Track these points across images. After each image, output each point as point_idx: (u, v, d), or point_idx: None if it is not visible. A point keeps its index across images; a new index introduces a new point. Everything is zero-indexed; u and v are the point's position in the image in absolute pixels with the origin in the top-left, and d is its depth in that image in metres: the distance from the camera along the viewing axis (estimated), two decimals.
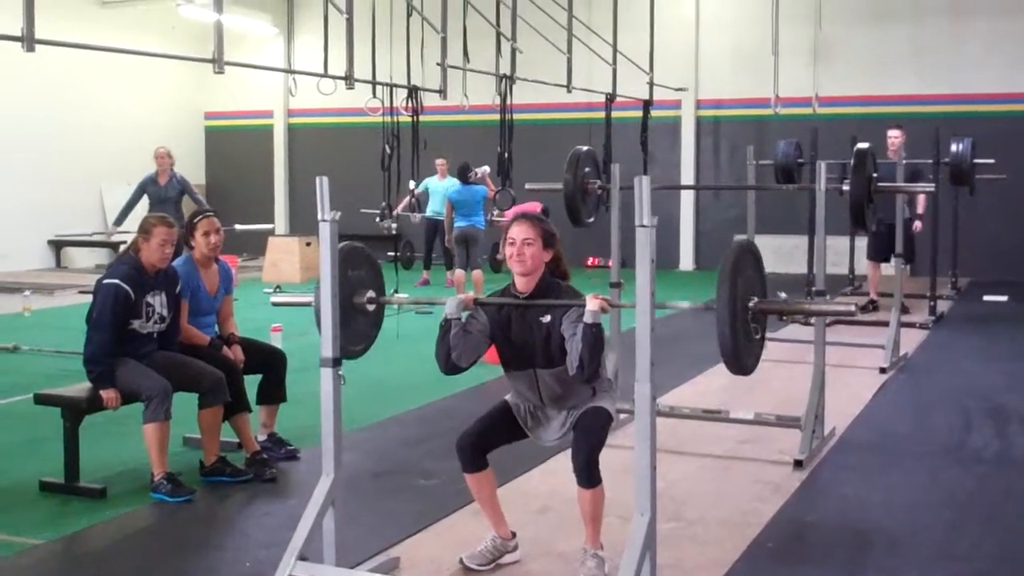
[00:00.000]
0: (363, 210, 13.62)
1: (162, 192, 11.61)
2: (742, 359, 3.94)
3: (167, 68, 18.94)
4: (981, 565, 4.64)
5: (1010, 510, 5.44)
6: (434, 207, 14.86)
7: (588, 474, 4.24)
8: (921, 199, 11.68)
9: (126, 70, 18.12)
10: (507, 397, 4.56)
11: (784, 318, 11.14)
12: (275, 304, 5.02)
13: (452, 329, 4.28)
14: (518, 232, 4.34)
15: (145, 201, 11.75)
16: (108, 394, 5.53)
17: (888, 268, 11.90)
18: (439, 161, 14.83)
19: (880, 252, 11.75)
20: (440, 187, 14.88)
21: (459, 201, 12.88)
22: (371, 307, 4.54)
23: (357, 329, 4.52)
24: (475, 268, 12.88)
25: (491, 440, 4.48)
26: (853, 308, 4.09)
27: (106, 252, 17.00)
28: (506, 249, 4.36)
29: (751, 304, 3.95)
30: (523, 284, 4.36)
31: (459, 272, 12.76)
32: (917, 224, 11.60)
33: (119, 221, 12.27)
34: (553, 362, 4.30)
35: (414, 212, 12.89)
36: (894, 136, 11.42)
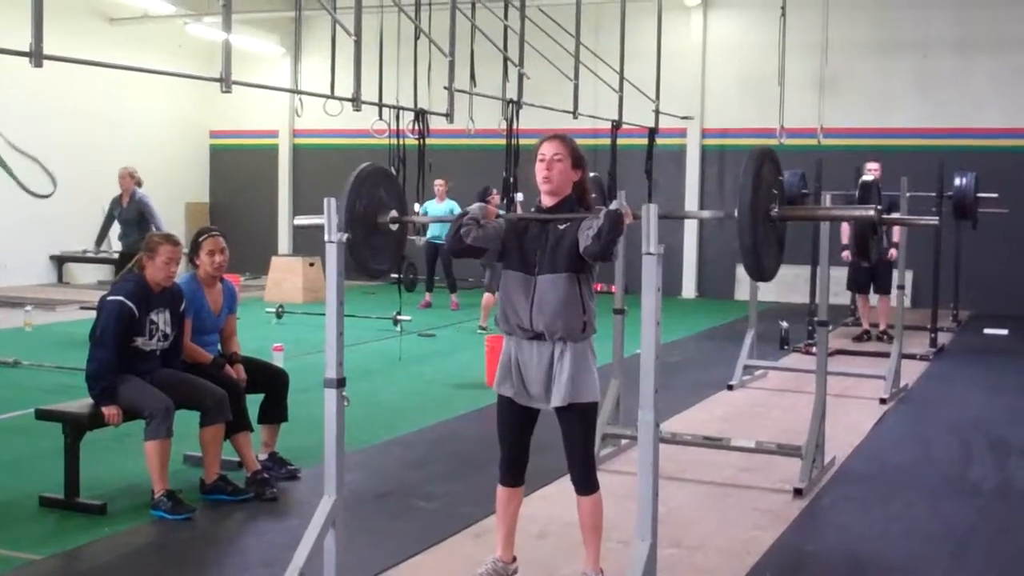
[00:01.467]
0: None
1: (123, 213, 11.56)
2: (763, 264, 3.95)
3: (173, 86, 18.98)
4: None
5: (1009, 543, 5.44)
6: (433, 231, 14.84)
7: (586, 480, 4.27)
8: (896, 230, 11.70)
9: (132, 87, 18.19)
10: (497, 394, 4.50)
11: (786, 347, 11.16)
12: (298, 226, 5.04)
13: (468, 217, 4.29)
14: (548, 149, 4.32)
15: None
16: (110, 411, 5.54)
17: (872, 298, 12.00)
18: (438, 182, 14.73)
19: (860, 284, 11.86)
20: (439, 210, 14.86)
21: None
22: (394, 227, 4.55)
23: (381, 248, 4.55)
24: (491, 291, 12.85)
25: (520, 441, 4.46)
26: (871, 213, 4.10)
27: (109, 268, 17.02)
28: (536, 166, 4.33)
29: (772, 211, 3.96)
30: (547, 201, 4.35)
31: (487, 296, 12.56)
32: (892, 252, 11.58)
33: (98, 242, 12.33)
34: (557, 267, 4.23)
35: (418, 235, 12.91)
36: (872, 168, 11.46)
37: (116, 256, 12.23)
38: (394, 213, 4.57)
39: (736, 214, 3.86)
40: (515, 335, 4.36)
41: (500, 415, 4.49)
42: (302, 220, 4.92)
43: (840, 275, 12.19)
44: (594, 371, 4.33)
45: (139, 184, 11.60)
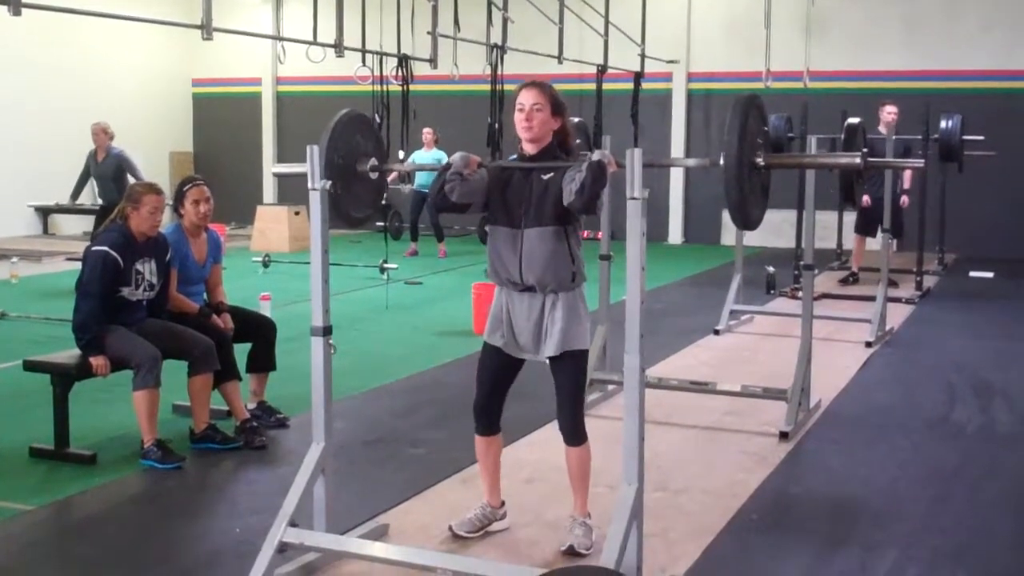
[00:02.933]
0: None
1: (99, 168, 11.47)
2: (749, 214, 3.96)
3: (154, 34, 18.82)
4: (964, 539, 4.69)
5: (993, 485, 5.50)
6: (421, 180, 14.80)
7: (574, 430, 4.30)
8: (908, 174, 11.74)
9: (113, 35, 18.02)
10: (485, 341, 4.50)
11: (772, 291, 11.20)
12: (277, 175, 5.03)
13: (451, 171, 4.26)
14: (527, 98, 4.28)
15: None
16: (97, 361, 5.54)
17: (873, 243, 12.00)
18: (426, 131, 14.65)
19: (869, 227, 11.83)
20: (427, 159, 14.80)
21: None
22: (373, 175, 4.54)
23: (360, 196, 4.53)
24: None
25: (498, 389, 4.47)
26: (858, 161, 4.10)
27: (94, 219, 16.95)
28: (515, 116, 4.29)
29: (757, 159, 3.96)
30: (530, 149, 4.32)
31: None
32: (904, 199, 11.64)
33: (73, 196, 12.22)
34: (543, 219, 4.21)
35: (404, 183, 12.87)
36: (891, 111, 11.42)
37: (97, 208, 12.14)
38: (374, 161, 4.54)
39: (722, 162, 3.85)
40: (505, 287, 4.36)
41: (484, 361, 4.49)
42: (280, 168, 4.91)
43: (826, 219, 12.22)
44: (585, 320, 4.35)
45: (111, 138, 11.51)
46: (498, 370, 4.46)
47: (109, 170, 11.31)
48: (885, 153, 9.85)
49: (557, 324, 4.26)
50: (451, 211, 4.36)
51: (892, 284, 10.51)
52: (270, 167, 20.12)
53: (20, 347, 7.88)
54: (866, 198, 11.21)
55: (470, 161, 4.29)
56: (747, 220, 3.98)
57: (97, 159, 11.44)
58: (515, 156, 4.42)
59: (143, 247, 5.71)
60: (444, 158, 14.66)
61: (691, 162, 4.32)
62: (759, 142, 3.99)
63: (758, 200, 4.05)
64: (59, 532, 4.82)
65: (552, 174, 4.22)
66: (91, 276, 5.56)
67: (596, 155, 4.00)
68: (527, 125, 4.26)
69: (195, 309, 6.11)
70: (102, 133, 11.43)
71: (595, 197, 4.02)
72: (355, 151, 4.46)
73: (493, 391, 4.48)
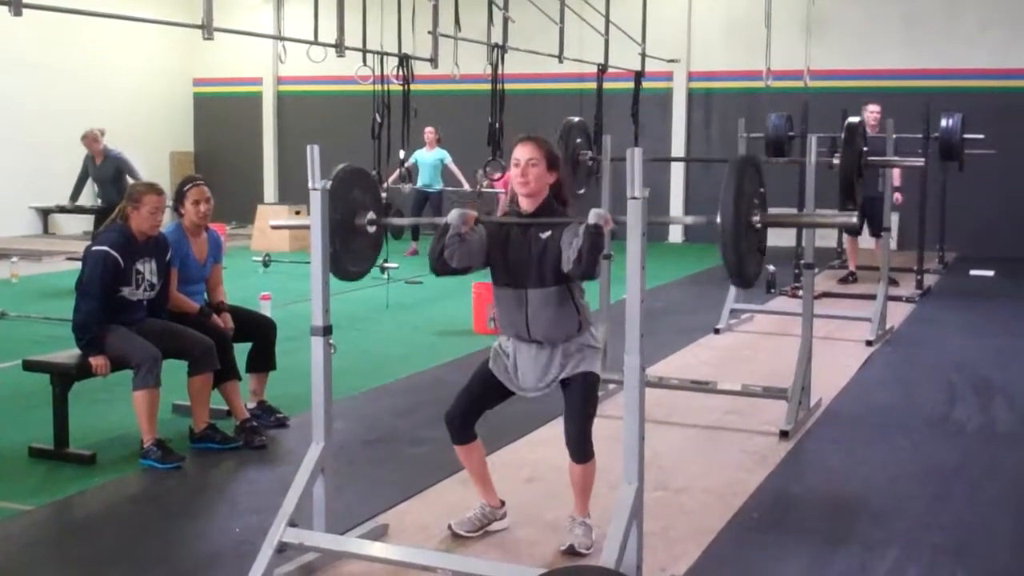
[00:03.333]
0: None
1: (98, 172, 11.48)
2: (745, 271, 3.96)
3: (155, 34, 18.83)
4: (964, 537, 4.69)
5: (993, 483, 5.49)
6: (424, 180, 14.80)
7: (582, 450, 4.27)
8: (896, 172, 11.72)
9: (114, 35, 18.02)
10: (487, 360, 4.54)
11: (772, 290, 11.19)
12: (274, 227, 5.03)
13: (449, 232, 4.24)
14: (522, 153, 4.28)
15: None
16: (97, 361, 5.54)
17: (865, 241, 12.02)
18: (428, 130, 14.64)
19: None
20: (428, 159, 14.80)
21: None
22: (371, 228, 4.53)
23: (358, 250, 4.50)
24: None
25: (478, 409, 4.48)
26: (854, 220, 4.10)
27: (94, 219, 16.94)
28: (511, 171, 4.31)
29: (754, 218, 3.96)
30: (526, 204, 4.32)
31: None
32: (898, 196, 11.62)
33: (72, 198, 12.24)
34: (545, 280, 4.24)
35: (405, 183, 12.86)
36: (873, 111, 11.46)
37: (97, 208, 12.14)
38: (372, 215, 4.52)
39: (719, 221, 3.85)
40: (513, 339, 4.42)
41: (477, 378, 4.51)
42: (279, 222, 4.93)
43: None
44: (597, 353, 4.40)
45: (104, 136, 11.50)
46: (487, 395, 4.50)
47: (108, 173, 11.30)
48: (882, 153, 9.84)
49: (566, 360, 4.33)
50: (452, 275, 4.37)
51: (892, 283, 10.51)
52: (272, 166, 20.16)
53: (20, 347, 7.88)
54: (898, 196, 11.21)
55: (467, 218, 4.27)
56: (744, 279, 3.99)
57: (95, 163, 11.44)
58: (511, 206, 4.44)
59: (143, 247, 5.71)
60: (447, 157, 14.71)
61: (689, 220, 4.32)
62: (755, 202, 3.99)
63: (755, 259, 4.06)
64: (59, 532, 4.81)
65: (550, 232, 4.24)
66: (91, 276, 5.56)
67: (592, 218, 3.99)
68: (523, 180, 4.27)
69: (195, 309, 6.11)
70: (94, 140, 11.42)
71: (594, 264, 4.04)
72: (353, 205, 4.43)
73: (472, 409, 4.48)
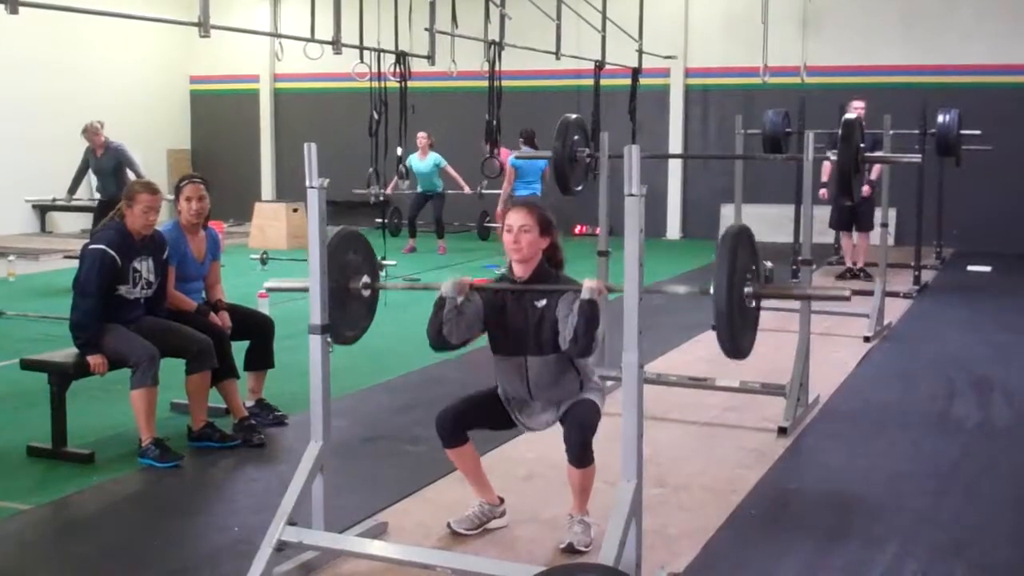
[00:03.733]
0: (355, 190, 13.64)
1: (98, 164, 11.48)
2: (739, 344, 3.98)
3: (152, 31, 18.80)
4: (962, 534, 4.69)
5: (992, 480, 5.50)
6: (423, 187, 14.77)
7: (581, 456, 4.28)
8: (876, 167, 11.71)
9: (110, 33, 17.98)
10: (496, 385, 4.58)
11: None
12: (270, 290, 5.05)
13: (446, 307, 4.28)
14: (515, 219, 4.33)
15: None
16: (95, 360, 5.53)
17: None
18: (421, 135, 14.37)
19: (843, 222, 11.91)
20: (423, 167, 14.71)
21: (523, 168, 12.66)
22: (366, 292, 4.54)
23: (352, 314, 4.52)
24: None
25: (471, 421, 4.51)
26: (848, 294, 4.11)
27: (93, 215, 16.92)
28: (504, 236, 4.36)
29: (747, 289, 3.98)
30: (520, 270, 4.38)
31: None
32: (866, 189, 11.55)
33: (71, 191, 12.25)
34: (543, 348, 4.31)
35: (403, 179, 12.86)
36: (858, 106, 11.47)
37: (96, 204, 12.14)
38: (366, 278, 4.52)
39: (711, 291, 3.86)
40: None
41: (488, 396, 4.57)
42: (274, 283, 4.93)
43: (823, 214, 12.21)
44: (599, 390, 4.50)
45: (103, 130, 11.50)
46: (490, 415, 4.56)
47: (109, 165, 11.30)
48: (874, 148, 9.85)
49: (572, 406, 4.42)
50: (453, 350, 4.42)
51: (865, 277, 10.53)
52: (269, 164, 20.13)
53: (17, 345, 7.88)
54: (866, 188, 11.19)
55: (461, 286, 4.30)
56: (737, 352, 4.00)
57: (96, 155, 11.43)
58: (504, 271, 4.49)
59: (141, 245, 5.70)
60: (441, 162, 14.65)
61: (682, 290, 4.32)
62: (748, 277, 4.00)
63: (748, 332, 4.07)
64: (57, 531, 4.81)
65: (546, 301, 4.29)
66: (88, 274, 5.55)
67: (585, 292, 4.05)
68: (516, 247, 4.31)
69: (193, 307, 6.11)
70: (94, 133, 11.41)
71: (590, 342, 4.11)
72: (347, 270, 4.44)
73: (469, 417, 4.51)
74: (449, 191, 14.96)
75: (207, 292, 6.32)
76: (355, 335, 4.59)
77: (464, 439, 4.49)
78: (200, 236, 6.24)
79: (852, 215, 11.59)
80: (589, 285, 4.06)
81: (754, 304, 4.04)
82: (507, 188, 13.10)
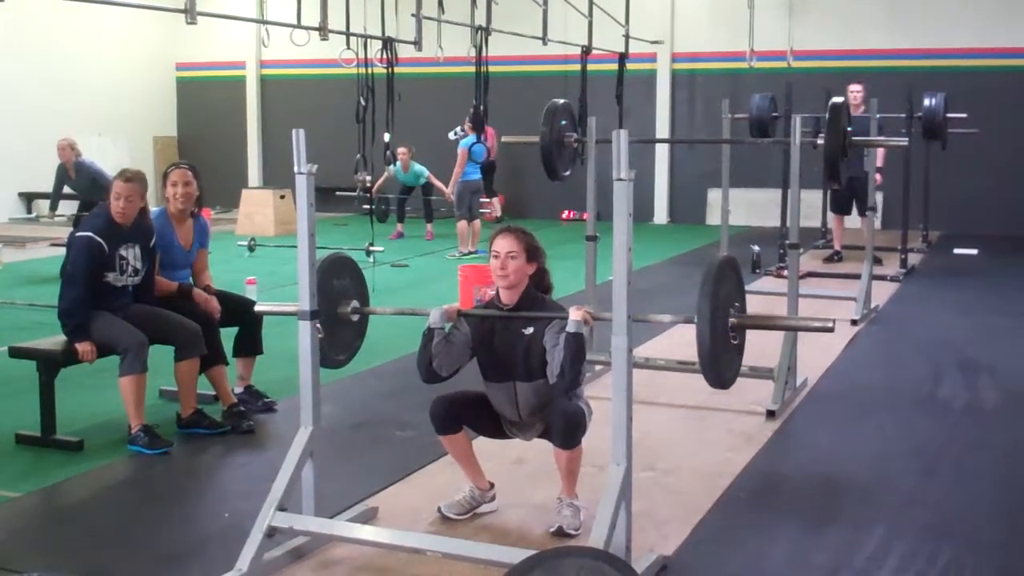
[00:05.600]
0: (339, 192, 13.67)
1: (75, 185, 11.54)
2: (722, 373, 4.00)
3: (138, 18, 18.72)
4: (950, 514, 4.72)
5: (979, 460, 5.53)
6: (405, 181, 14.82)
7: (569, 437, 4.30)
8: (880, 153, 11.74)
9: (95, 20, 17.90)
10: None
11: (757, 271, 11.22)
12: (261, 313, 5.06)
13: (435, 339, 4.30)
14: (502, 245, 4.34)
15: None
16: (83, 347, 5.52)
17: (851, 221, 12.05)
18: (401, 151, 14.21)
19: (842, 205, 11.92)
20: (407, 179, 14.78)
21: (477, 151, 12.75)
22: (355, 317, 4.55)
23: (342, 339, 4.54)
24: (476, 219, 13.38)
25: (464, 415, 4.53)
26: (831, 325, 4.10)
27: (78, 204, 16.86)
28: (491, 262, 4.38)
29: (731, 319, 3.99)
30: (507, 296, 4.39)
31: (461, 223, 13.04)
32: (877, 177, 11.62)
33: (52, 208, 12.35)
34: (532, 375, 4.32)
35: (390, 164, 12.85)
36: (855, 91, 11.48)
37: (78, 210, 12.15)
38: (355, 303, 4.53)
39: (696, 320, 3.86)
40: None
41: (483, 397, 4.56)
42: (265, 307, 4.93)
43: (810, 198, 12.24)
44: (586, 405, 4.47)
45: (78, 155, 11.54)
46: (484, 418, 4.58)
47: (84, 184, 11.38)
48: (866, 133, 9.85)
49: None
50: (444, 381, 4.44)
51: (876, 262, 10.53)
52: (256, 150, 20.07)
53: (5, 333, 7.84)
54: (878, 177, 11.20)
55: (449, 313, 4.33)
56: (721, 381, 4.02)
57: (69, 175, 11.50)
58: (492, 302, 4.48)
59: (127, 232, 5.68)
60: (424, 173, 14.64)
61: (667, 318, 4.31)
62: (735, 306, 4.01)
63: (733, 361, 4.07)
64: (46, 519, 4.81)
65: (533, 329, 4.31)
66: (76, 262, 5.54)
67: (571, 324, 4.07)
68: (503, 273, 4.33)
69: (174, 287, 6.07)
70: (69, 149, 11.48)
71: (577, 375, 4.16)
72: (335, 296, 4.45)
73: (463, 410, 4.53)
74: (434, 198, 14.96)
75: (194, 279, 6.30)
76: (345, 359, 4.63)
77: (458, 427, 4.51)
78: (188, 224, 6.22)
79: (852, 198, 11.58)
80: (575, 317, 4.07)
81: (737, 337, 4.04)
82: (458, 171, 13.46)
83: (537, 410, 4.42)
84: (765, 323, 4.63)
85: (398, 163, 14.10)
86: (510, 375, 4.39)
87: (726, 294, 3.97)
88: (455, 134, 14.70)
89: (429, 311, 4.34)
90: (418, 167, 14.67)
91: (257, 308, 4.98)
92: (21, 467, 5.36)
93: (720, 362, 3.95)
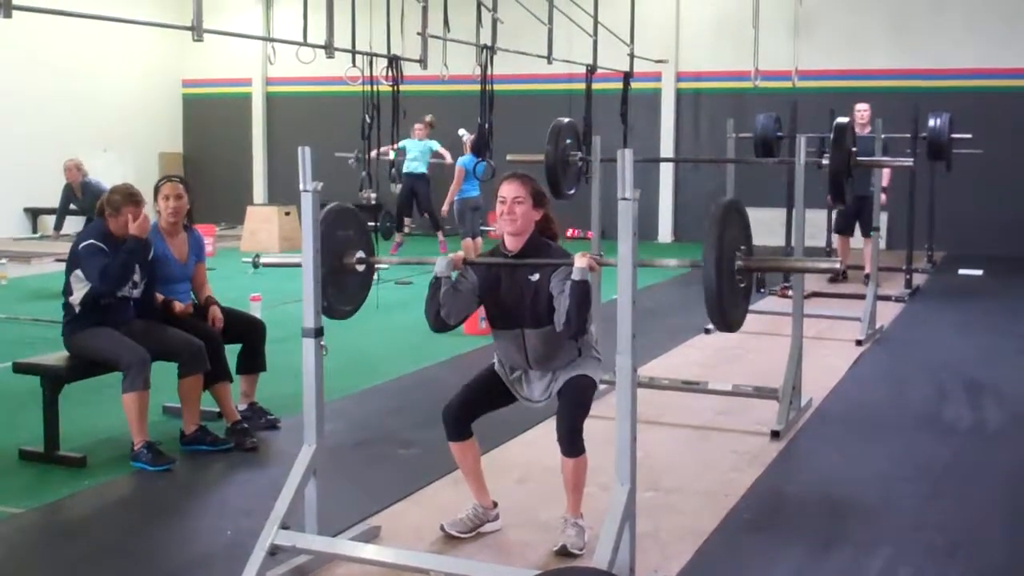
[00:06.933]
0: (337, 153, 13.68)
1: (81, 205, 11.61)
2: (728, 316, 3.97)
3: (144, 35, 18.77)
4: (955, 536, 4.70)
5: (983, 482, 5.51)
6: (409, 167, 14.78)
7: (572, 443, 4.28)
8: (886, 173, 11.74)
9: (102, 37, 17.95)
10: (493, 363, 4.57)
11: (762, 290, 11.21)
12: (265, 264, 5.07)
13: (442, 287, 4.28)
14: (508, 190, 4.33)
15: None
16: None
17: (857, 241, 12.05)
18: (418, 126, 14.59)
19: (847, 225, 11.90)
20: (418, 146, 14.87)
21: (480, 169, 12.78)
22: (360, 267, 4.54)
23: (347, 290, 4.52)
24: (478, 236, 13.43)
25: (476, 408, 4.51)
26: (838, 266, 4.11)
27: (84, 223, 16.89)
28: (496, 207, 4.36)
29: (738, 262, 3.97)
30: (512, 243, 4.37)
31: (466, 241, 13.09)
32: (882, 197, 11.63)
33: (57, 227, 12.52)
34: (540, 321, 4.31)
35: (393, 182, 12.86)
36: (863, 110, 11.49)
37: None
38: (361, 253, 4.53)
39: (703, 264, 3.86)
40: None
41: (483, 377, 4.56)
42: (271, 259, 4.95)
43: (815, 217, 12.23)
44: (598, 360, 4.47)
45: (84, 175, 11.62)
46: (490, 396, 4.55)
47: (91, 204, 11.31)
48: (871, 152, 9.86)
49: (569, 374, 4.42)
50: (452, 329, 4.46)
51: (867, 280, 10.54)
52: (261, 167, 20.12)
53: (9, 349, 7.85)
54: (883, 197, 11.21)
55: (455, 262, 4.32)
56: (728, 324, 4.00)
57: (76, 195, 11.56)
58: (497, 246, 4.48)
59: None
60: (435, 147, 14.71)
61: (672, 262, 4.32)
62: (740, 248, 4.00)
63: (739, 304, 4.06)
64: (49, 535, 4.79)
65: (539, 275, 4.30)
66: (94, 263, 5.53)
67: (576, 272, 4.06)
68: (510, 218, 4.33)
69: (190, 309, 6.06)
70: (75, 170, 11.58)
71: (583, 322, 4.15)
72: (342, 245, 4.45)
73: (474, 405, 4.52)
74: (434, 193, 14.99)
75: (196, 294, 6.29)
76: (351, 310, 4.60)
77: (469, 432, 4.50)
78: (181, 237, 6.21)
79: (857, 219, 11.58)
80: (580, 264, 4.06)
81: (744, 280, 4.03)
82: (454, 189, 13.48)
83: (544, 358, 4.40)
84: (773, 266, 4.60)
85: (405, 141, 14.18)
86: (518, 322, 4.36)
87: (732, 237, 3.95)
88: (464, 134, 14.68)
89: (435, 260, 4.31)
90: (432, 142, 14.81)
91: (263, 260, 4.98)
92: (24, 483, 5.35)
93: (727, 306, 3.92)
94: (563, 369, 4.43)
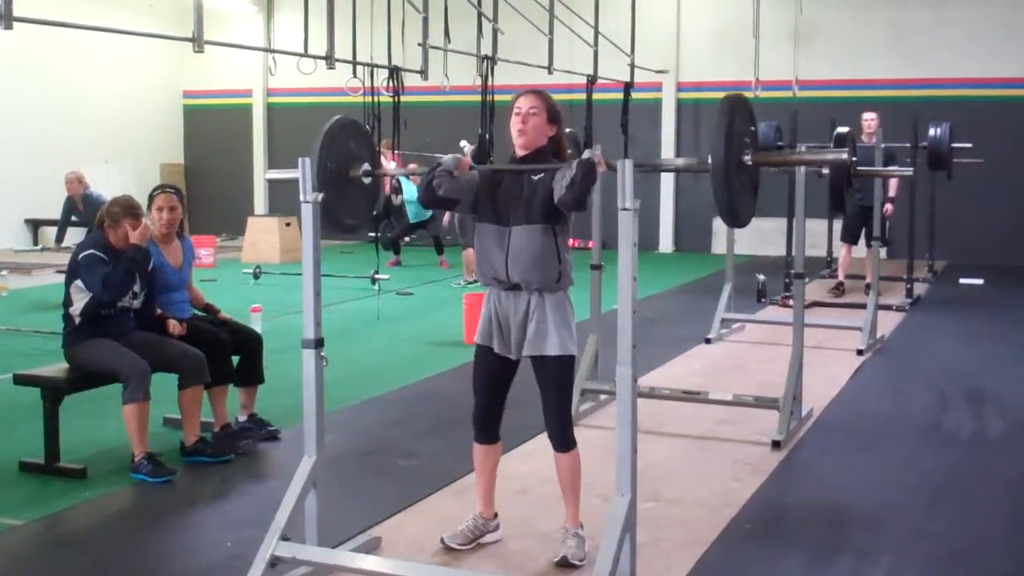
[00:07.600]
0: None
1: (83, 218, 11.64)
2: (738, 211, 3.98)
3: (145, 46, 18.81)
4: (956, 546, 4.69)
5: (985, 491, 5.50)
6: (412, 214, 14.74)
7: (563, 433, 4.29)
8: (893, 183, 11.75)
9: (103, 48, 18.00)
10: (476, 340, 4.49)
11: (763, 300, 11.21)
12: (269, 180, 5.07)
13: (440, 168, 4.26)
14: (524, 103, 4.30)
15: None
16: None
17: (859, 250, 12.04)
18: (414, 177, 14.52)
19: (853, 234, 11.90)
20: (414, 193, 14.79)
21: None
22: (366, 180, 4.53)
23: (353, 202, 4.53)
24: (470, 246, 13.26)
25: (499, 397, 4.47)
26: (846, 156, 4.12)
27: (85, 232, 16.90)
28: (511, 120, 4.31)
29: (745, 157, 3.98)
30: (522, 153, 4.33)
31: (468, 251, 13.02)
32: (888, 207, 11.65)
33: (59, 239, 12.62)
34: (530, 218, 4.22)
35: (396, 194, 12.88)
36: (870, 119, 11.51)
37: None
38: (367, 166, 4.54)
39: (710, 161, 3.86)
40: (492, 287, 4.37)
41: (477, 367, 4.49)
42: (273, 174, 4.93)
43: (816, 227, 12.25)
44: (571, 324, 4.32)
45: (86, 187, 11.67)
46: (492, 374, 4.45)
47: (92, 216, 11.35)
48: (872, 162, 9.87)
49: (539, 323, 4.26)
50: (438, 206, 4.39)
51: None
52: (262, 178, 20.13)
53: (9, 360, 7.84)
54: (888, 207, 11.21)
55: (461, 163, 4.30)
56: (736, 218, 4.01)
57: (78, 207, 11.60)
58: (508, 160, 4.44)
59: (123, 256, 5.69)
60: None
61: (680, 162, 4.35)
62: (746, 141, 4.00)
63: (747, 198, 4.07)
64: (49, 547, 4.79)
65: (542, 176, 4.23)
66: (95, 272, 5.53)
67: (586, 154, 4.04)
68: (521, 128, 4.28)
69: (183, 332, 6.04)
70: (77, 182, 11.64)
71: (586, 192, 4.02)
72: (348, 157, 4.46)
73: (491, 398, 4.47)
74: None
75: (193, 303, 6.32)
76: (355, 224, 4.59)
77: (497, 437, 4.50)
78: (175, 245, 6.23)
79: (863, 228, 11.58)
80: (589, 151, 4.06)
81: (751, 168, 4.03)
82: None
83: (525, 264, 4.22)
84: (780, 160, 4.61)
85: (405, 187, 14.15)
86: (507, 218, 4.27)
87: (739, 132, 3.95)
88: (465, 145, 14.68)
89: (443, 159, 4.29)
90: None
91: (267, 176, 4.97)
92: (24, 495, 5.34)
93: (734, 197, 3.92)
94: (539, 294, 4.26)
